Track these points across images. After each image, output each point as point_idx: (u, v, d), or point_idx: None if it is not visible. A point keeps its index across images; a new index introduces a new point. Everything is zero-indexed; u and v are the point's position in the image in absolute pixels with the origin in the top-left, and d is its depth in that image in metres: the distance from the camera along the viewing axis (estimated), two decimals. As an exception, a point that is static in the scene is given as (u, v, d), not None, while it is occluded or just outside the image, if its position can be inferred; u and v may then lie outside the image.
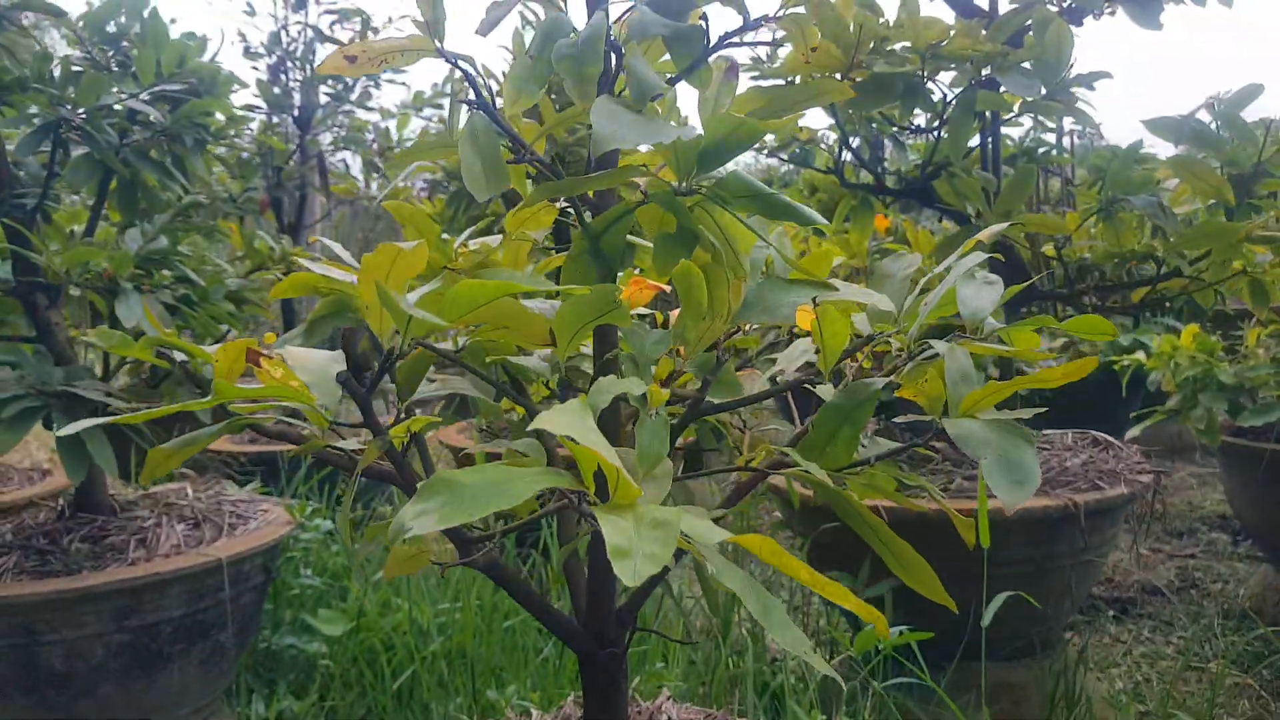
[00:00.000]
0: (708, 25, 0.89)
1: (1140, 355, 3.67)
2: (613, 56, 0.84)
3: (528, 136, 0.90)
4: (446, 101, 6.07)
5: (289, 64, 4.68)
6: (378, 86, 4.51)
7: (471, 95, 0.93)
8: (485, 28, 0.81)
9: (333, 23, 4.65)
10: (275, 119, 4.73)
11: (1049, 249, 2.38)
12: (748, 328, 1.02)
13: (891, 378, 0.96)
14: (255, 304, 2.47)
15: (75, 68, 2.15)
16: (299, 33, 4.80)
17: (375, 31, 4.34)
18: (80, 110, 1.78)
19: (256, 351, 0.76)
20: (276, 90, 4.70)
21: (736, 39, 0.92)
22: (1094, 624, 3.00)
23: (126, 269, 1.73)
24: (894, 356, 1.01)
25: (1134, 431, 3.35)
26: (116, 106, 1.87)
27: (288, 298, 4.15)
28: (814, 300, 0.79)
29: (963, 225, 2.18)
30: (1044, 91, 1.80)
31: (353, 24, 4.41)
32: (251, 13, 4.79)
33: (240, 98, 5.07)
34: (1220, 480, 3.86)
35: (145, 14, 2.17)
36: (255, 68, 4.86)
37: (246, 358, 0.78)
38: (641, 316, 1.36)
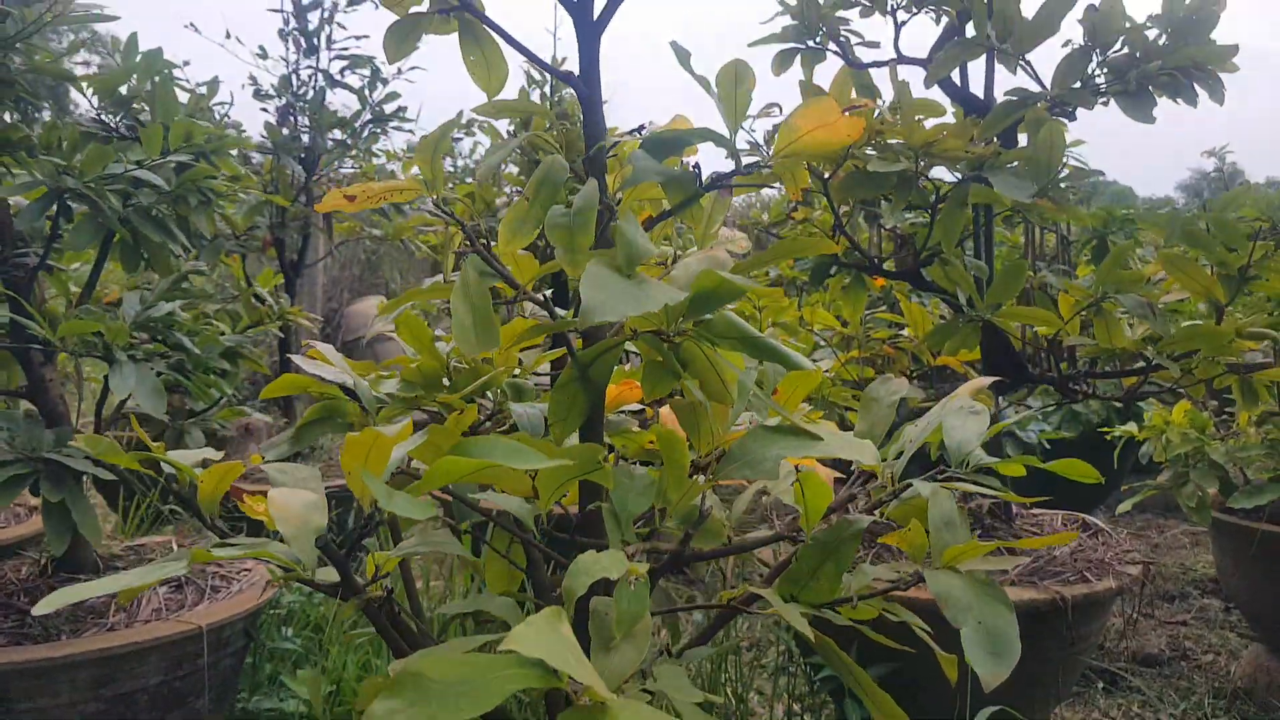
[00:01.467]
0: (699, 171, 0.91)
1: (1132, 427, 3.68)
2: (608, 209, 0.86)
3: (525, 274, 0.91)
4: (454, 136, 6.11)
5: (298, 106, 4.73)
6: (386, 134, 4.55)
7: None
8: (485, 173, 0.83)
9: (343, 69, 4.70)
10: (282, 160, 4.76)
11: (1044, 330, 2.39)
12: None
13: (876, 514, 0.97)
14: (251, 360, 2.48)
15: (83, 127, 2.18)
16: (309, 77, 4.85)
17: (385, 82, 4.39)
18: (86, 179, 1.80)
19: (240, 488, 0.76)
20: (285, 132, 4.75)
21: (728, 181, 0.94)
22: (1083, 696, 2.98)
23: (122, 340, 1.74)
24: (880, 489, 1.02)
25: (1124, 506, 3.36)
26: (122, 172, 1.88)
27: (284, 338, 4.14)
28: (796, 468, 0.80)
29: (955, 309, 2.20)
30: (1036, 189, 1.82)
31: (363, 71, 4.46)
32: (264, 56, 4.85)
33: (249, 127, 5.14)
34: (1211, 550, 3.86)
35: (154, 76, 2.21)
36: (264, 109, 4.91)
37: (230, 492, 0.79)
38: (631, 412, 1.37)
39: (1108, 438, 3.94)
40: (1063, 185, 1.99)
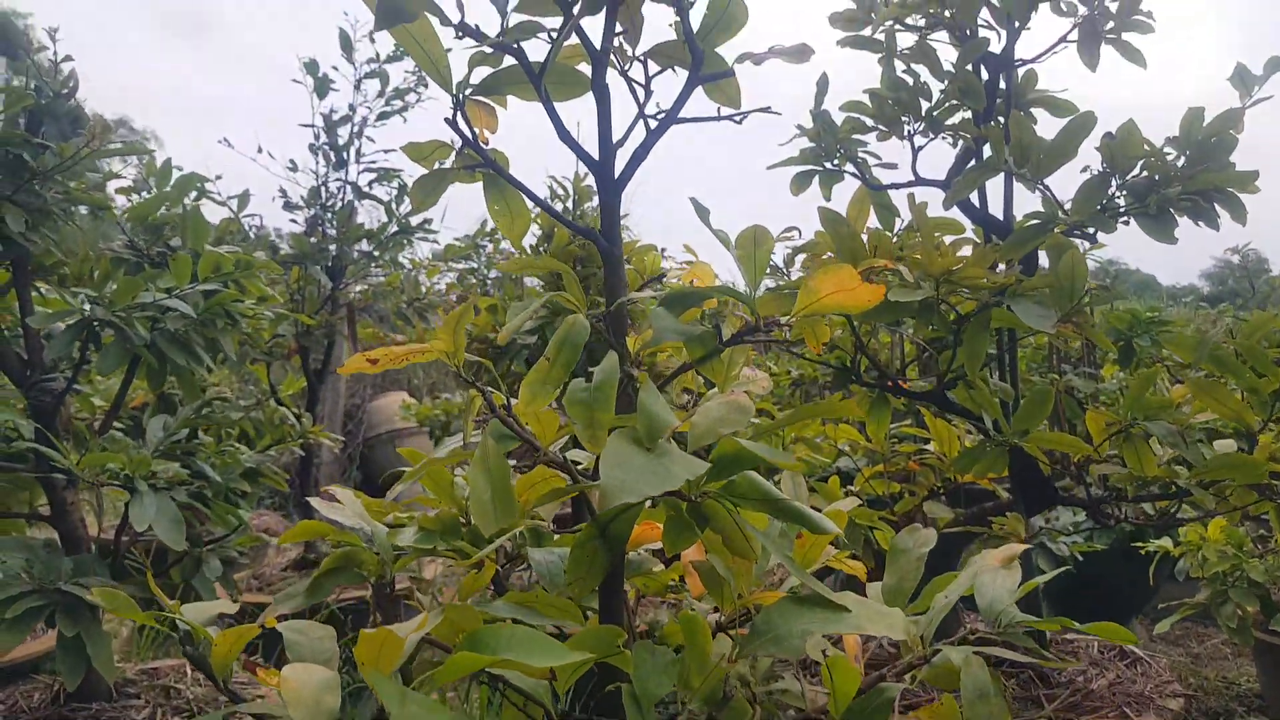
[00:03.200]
0: (719, 329, 0.91)
1: (1167, 542, 3.60)
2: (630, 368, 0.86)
3: (547, 430, 0.90)
4: (474, 247, 6.23)
5: (326, 218, 4.83)
6: (411, 244, 4.64)
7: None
8: (506, 336, 0.83)
9: (371, 181, 4.82)
10: (309, 269, 4.85)
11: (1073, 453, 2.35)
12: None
13: (906, 681, 0.93)
14: (272, 478, 2.48)
15: (115, 252, 2.23)
16: (338, 189, 4.97)
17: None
18: (116, 309, 1.83)
19: (254, 662, 0.74)
20: (312, 240, 4.85)
21: (748, 338, 0.93)
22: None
23: (144, 470, 1.74)
24: (909, 649, 0.99)
25: (1163, 626, 3.26)
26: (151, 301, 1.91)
27: (305, 456, 4.14)
28: (826, 646, 0.78)
29: (981, 432, 2.17)
30: (1058, 317, 1.81)
31: (390, 186, 4.57)
32: (294, 169, 4.98)
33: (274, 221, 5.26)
34: (1255, 668, 3.72)
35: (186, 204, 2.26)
36: (294, 220, 5.03)
37: (244, 664, 0.77)
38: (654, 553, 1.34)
39: (1142, 552, 3.85)
40: (1085, 303, 1.98)
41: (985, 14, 2.46)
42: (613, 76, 1.10)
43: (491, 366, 0.88)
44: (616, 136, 1.07)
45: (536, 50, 1.10)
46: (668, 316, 0.89)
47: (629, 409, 0.88)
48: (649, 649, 0.82)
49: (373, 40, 5.03)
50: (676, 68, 1.07)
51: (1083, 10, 2.33)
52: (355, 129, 5.05)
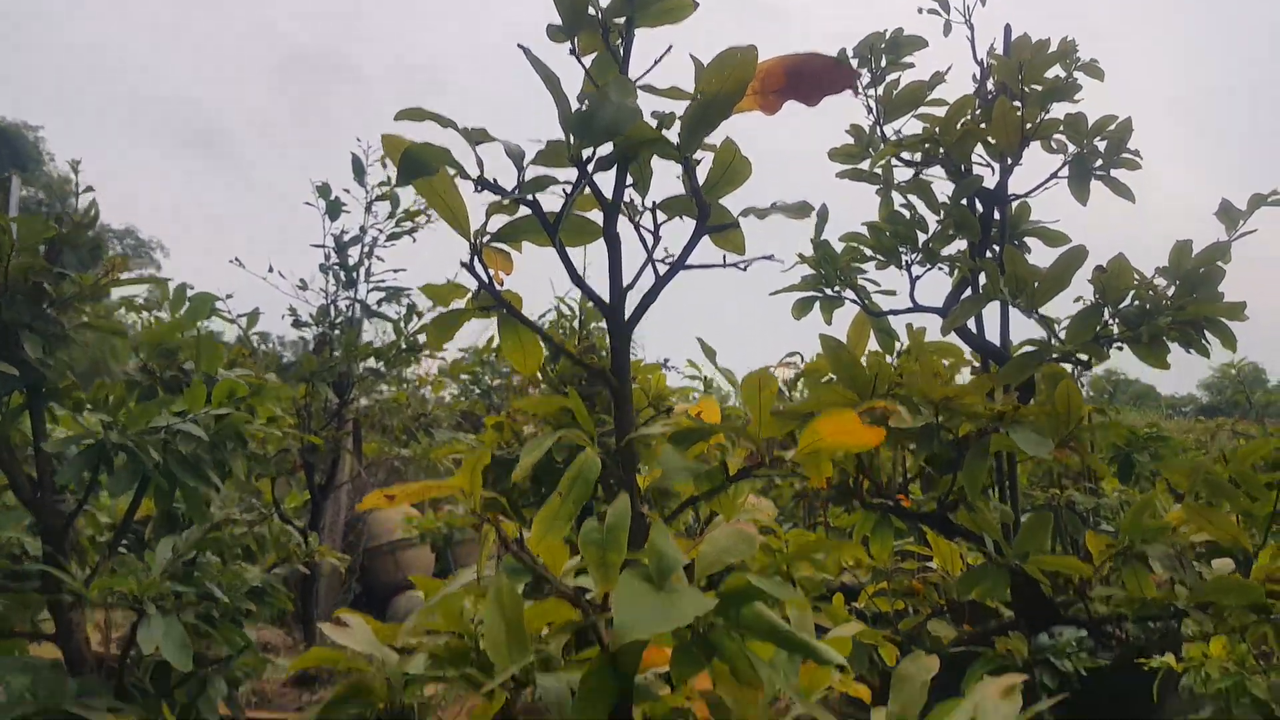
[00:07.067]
0: (725, 467, 0.95)
1: (1170, 658, 3.55)
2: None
3: (559, 562, 0.94)
4: (480, 362, 6.30)
5: (334, 336, 4.92)
6: (418, 361, 4.71)
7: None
8: (521, 474, 0.87)
9: (380, 300, 4.93)
10: (316, 386, 4.91)
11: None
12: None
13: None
14: (278, 597, 2.48)
15: (130, 376, 2.29)
16: (347, 307, 5.08)
17: (419, 315, 4.58)
18: (130, 433, 1.87)
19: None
20: (319, 357, 4.93)
21: (753, 474, 0.97)
22: None
23: (152, 592, 1.76)
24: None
25: (1171, 750, 3.20)
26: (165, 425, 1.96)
27: (309, 574, 4.06)
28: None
29: (983, 553, 2.19)
30: (1055, 443, 1.85)
31: (398, 306, 4.67)
32: (304, 287, 5.09)
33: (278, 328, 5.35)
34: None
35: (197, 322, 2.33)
36: (303, 336, 5.12)
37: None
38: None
39: (1145, 669, 3.79)
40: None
41: (980, 148, 2.58)
42: (623, 221, 1.17)
43: (505, 503, 0.92)
44: (626, 278, 1.13)
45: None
46: (676, 455, 0.94)
47: (639, 544, 0.92)
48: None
49: (384, 165, 5.19)
50: (684, 216, 1.14)
51: (1072, 148, 2.44)
52: (365, 249, 5.19)
